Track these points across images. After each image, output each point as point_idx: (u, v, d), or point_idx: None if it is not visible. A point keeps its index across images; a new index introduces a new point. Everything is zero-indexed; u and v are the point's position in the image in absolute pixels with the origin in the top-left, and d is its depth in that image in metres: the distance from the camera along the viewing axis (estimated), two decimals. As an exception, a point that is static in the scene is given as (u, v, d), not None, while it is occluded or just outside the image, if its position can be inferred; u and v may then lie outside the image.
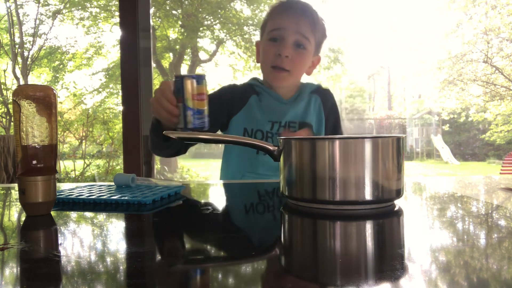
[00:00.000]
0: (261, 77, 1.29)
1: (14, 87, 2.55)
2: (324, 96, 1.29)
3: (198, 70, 8.97)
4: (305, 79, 1.29)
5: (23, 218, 0.55)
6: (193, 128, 0.74)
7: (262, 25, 1.24)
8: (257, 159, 1.15)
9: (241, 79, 9.24)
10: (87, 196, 0.66)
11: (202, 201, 0.72)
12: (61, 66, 8.79)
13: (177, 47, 8.69)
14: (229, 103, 1.21)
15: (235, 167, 1.19)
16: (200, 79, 0.77)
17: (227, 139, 0.72)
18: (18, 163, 0.55)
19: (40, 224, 0.52)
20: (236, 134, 1.15)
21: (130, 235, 0.48)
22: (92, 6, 8.41)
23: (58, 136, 0.80)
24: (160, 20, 8.12)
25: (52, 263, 0.36)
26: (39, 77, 8.93)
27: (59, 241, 0.44)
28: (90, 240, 0.45)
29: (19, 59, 8.24)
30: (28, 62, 8.32)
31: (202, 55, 9.00)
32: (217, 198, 0.72)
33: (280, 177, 0.63)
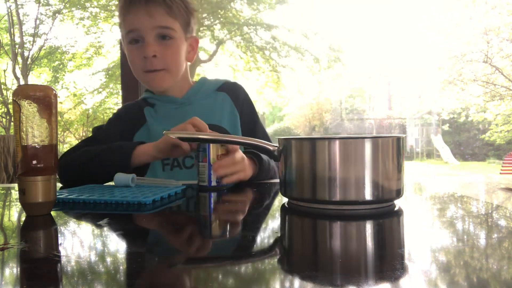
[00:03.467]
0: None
1: (14, 87, 2.56)
2: (232, 91, 1.14)
3: (198, 70, 8.97)
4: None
5: (23, 218, 0.55)
6: (216, 186, 0.78)
7: (119, 23, 1.06)
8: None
9: (241, 80, 9.25)
10: (87, 196, 0.66)
11: (202, 201, 0.72)
12: (61, 66, 8.80)
13: (177, 47, 8.67)
14: (128, 123, 1.10)
15: None
16: None
17: (227, 139, 0.72)
18: (18, 163, 0.55)
19: (40, 224, 0.52)
20: None
21: (130, 235, 0.48)
22: (92, 6, 8.42)
23: (58, 136, 0.80)
24: (160, 20, 8.10)
25: (52, 263, 0.36)
26: (39, 77, 8.93)
27: (59, 241, 0.44)
28: (90, 240, 0.45)
29: (19, 59, 8.25)
30: (28, 62, 8.33)
31: (202, 55, 9.00)
32: (216, 198, 0.72)
33: (280, 177, 0.63)
